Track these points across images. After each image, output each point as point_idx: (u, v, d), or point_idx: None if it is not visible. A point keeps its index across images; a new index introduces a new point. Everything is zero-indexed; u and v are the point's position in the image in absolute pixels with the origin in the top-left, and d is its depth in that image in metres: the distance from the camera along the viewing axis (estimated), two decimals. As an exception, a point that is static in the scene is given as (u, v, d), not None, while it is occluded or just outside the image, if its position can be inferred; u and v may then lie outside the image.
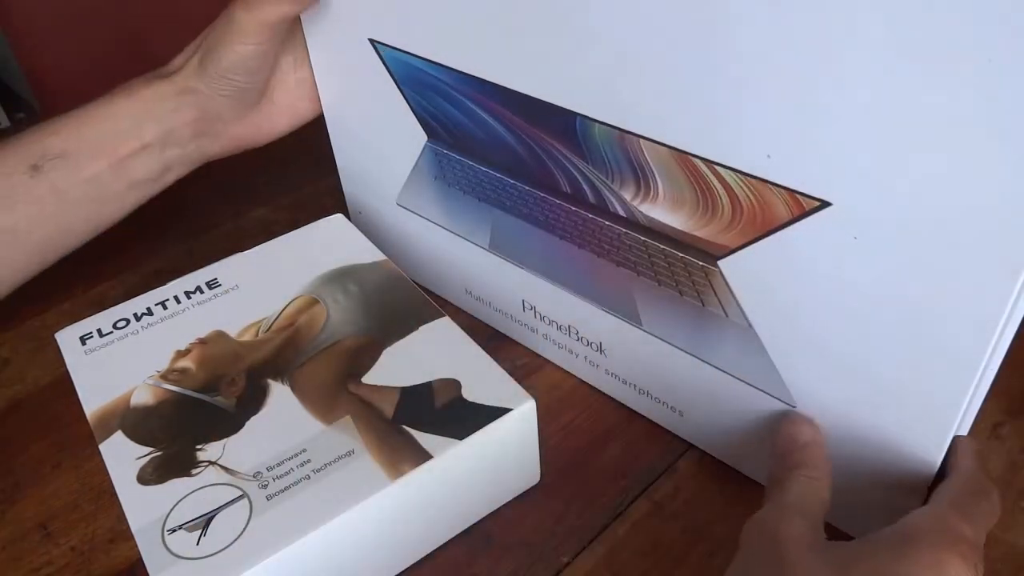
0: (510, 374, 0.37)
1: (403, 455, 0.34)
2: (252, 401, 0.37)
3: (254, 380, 0.38)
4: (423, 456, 0.34)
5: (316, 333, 0.40)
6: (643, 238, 0.36)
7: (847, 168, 0.27)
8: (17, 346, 0.50)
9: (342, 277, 0.43)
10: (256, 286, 0.43)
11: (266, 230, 0.57)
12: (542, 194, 0.39)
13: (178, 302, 0.42)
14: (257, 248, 0.46)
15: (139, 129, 0.45)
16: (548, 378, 0.45)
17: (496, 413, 0.35)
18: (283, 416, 0.36)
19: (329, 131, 0.51)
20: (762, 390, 0.36)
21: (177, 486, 0.34)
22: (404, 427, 0.35)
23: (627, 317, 0.39)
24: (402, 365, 0.38)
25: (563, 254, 0.40)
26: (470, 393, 0.36)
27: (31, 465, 0.43)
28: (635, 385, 0.42)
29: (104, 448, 0.35)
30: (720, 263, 0.34)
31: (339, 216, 0.48)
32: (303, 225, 0.47)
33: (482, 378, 0.37)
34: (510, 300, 0.46)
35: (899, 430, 0.32)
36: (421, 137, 0.44)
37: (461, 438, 0.34)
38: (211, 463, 0.34)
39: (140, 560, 0.31)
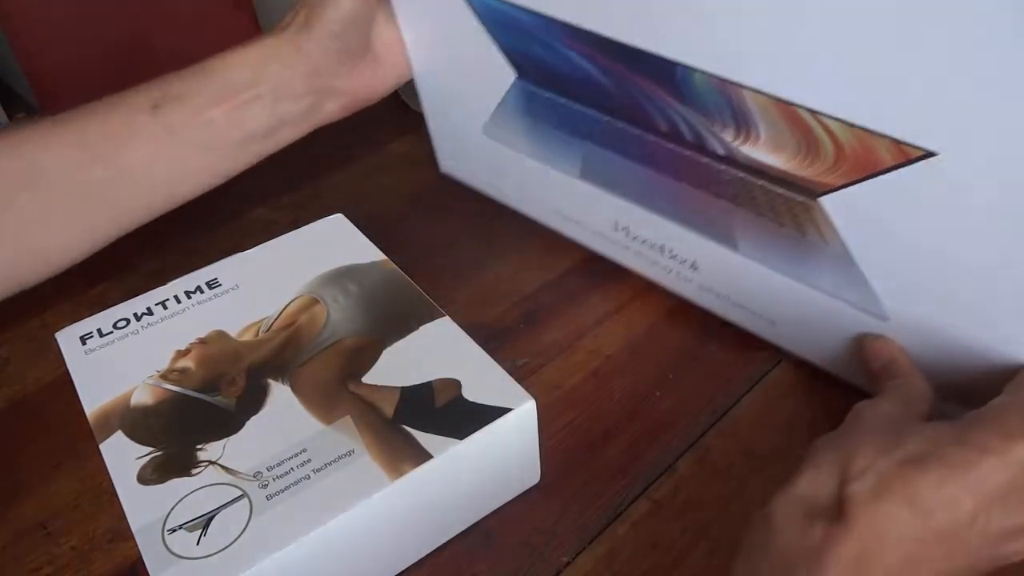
0: (510, 374, 0.37)
1: (403, 455, 0.34)
2: (252, 401, 0.37)
3: (254, 380, 0.38)
4: (423, 456, 0.34)
5: (316, 333, 0.40)
6: (742, 174, 0.38)
7: (953, 119, 0.29)
8: (17, 346, 0.50)
9: (342, 277, 0.43)
10: (256, 286, 0.43)
11: (266, 230, 0.57)
12: (637, 131, 0.41)
13: (178, 302, 0.42)
14: (257, 248, 0.46)
15: (253, 80, 0.45)
16: (548, 378, 0.45)
17: (496, 413, 0.35)
18: (283, 416, 0.36)
19: (414, 67, 0.52)
20: (857, 307, 0.38)
21: (177, 486, 0.34)
22: (404, 427, 0.35)
23: (723, 242, 0.42)
24: (402, 365, 0.38)
25: (658, 184, 0.43)
26: (470, 393, 0.36)
27: (31, 465, 0.43)
28: (729, 298, 0.45)
29: (104, 448, 0.35)
30: (821, 199, 0.36)
31: (339, 216, 0.48)
32: (303, 225, 0.47)
33: (482, 378, 0.37)
34: (601, 221, 0.48)
35: (985, 345, 0.34)
36: (509, 74, 0.45)
37: (461, 438, 0.34)
38: (211, 463, 0.34)
39: (140, 560, 0.31)
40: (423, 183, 0.60)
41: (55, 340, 0.41)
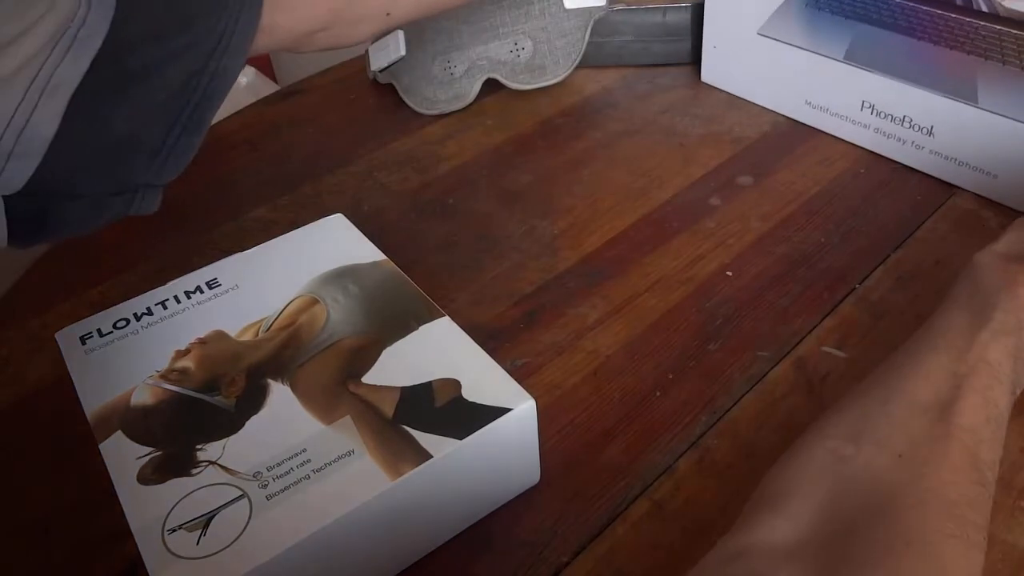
0: (510, 374, 0.37)
1: (403, 455, 0.34)
2: (252, 401, 0.37)
3: (254, 379, 0.38)
4: (423, 456, 0.34)
5: (316, 333, 0.40)
6: (998, 27, 0.50)
7: None
8: (17, 346, 0.50)
9: (342, 277, 0.43)
10: (256, 286, 0.43)
11: (266, 230, 0.57)
12: (912, 3, 0.53)
13: (178, 302, 0.42)
14: (257, 248, 0.46)
15: None
16: (548, 378, 0.45)
17: (496, 413, 0.35)
18: (283, 416, 0.36)
19: None
20: None
21: (177, 486, 0.34)
22: (404, 427, 0.35)
23: (964, 98, 0.53)
24: (402, 365, 0.38)
25: (915, 53, 0.54)
26: (470, 393, 0.36)
27: (31, 465, 0.43)
28: (956, 159, 0.55)
29: (104, 448, 0.35)
30: None
31: (339, 216, 0.48)
32: (303, 225, 0.47)
33: (482, 378, 0.37)
34: (850, 103, 0.59)
35: None
36: None
37: (461, 438, 0.34)
38: (211, 463, 0.34)
39: (140, 560, 0.31)
40: (423, 183, 0.61)
41: (55, 340, 0.41)
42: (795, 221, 0.55)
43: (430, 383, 0.37)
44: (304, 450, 0.34)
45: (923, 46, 0.53)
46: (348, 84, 0.73)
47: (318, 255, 0.45)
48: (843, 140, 0.61)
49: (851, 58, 0.58)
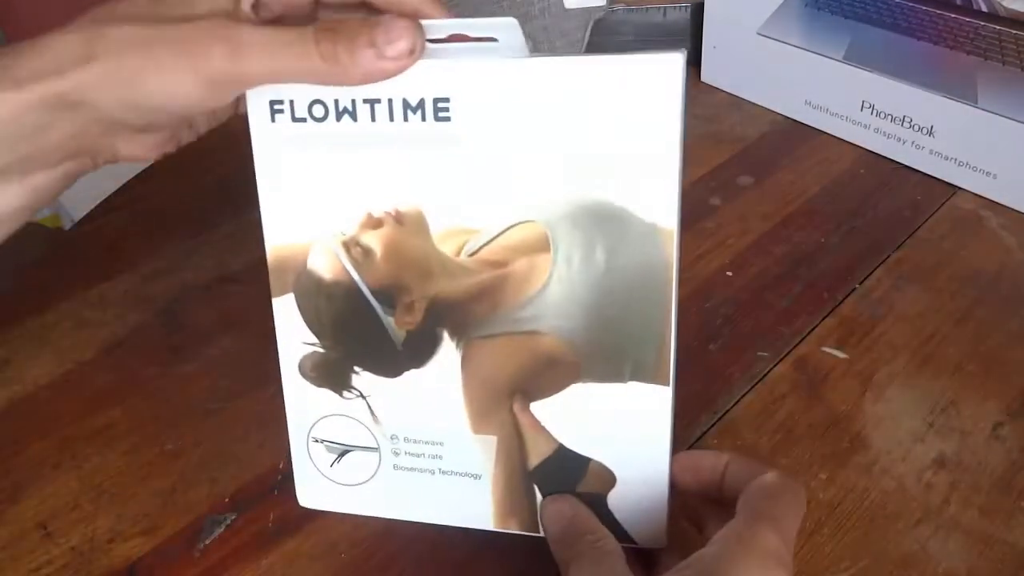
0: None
1: (517, 512, 0.32)
2: (419, 348, 0.31)
3: (432, 320, 0.31)
4: (532, 526, 0.33)
5: (524, 300, 0.30)
6: (998, 27, 0.50)
7: None
8: (17, 346, 0.50)
9: (601, 225, 0.29)
10: (491, 157, 0.29)
11: (266, 230, 0.57)
12: (911, 3, 0.53)
13: (391, 118, 0.29)
14: (512, 73, 0.28)
15: None
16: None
17: (620, 538, 0.31)
18: (441, 391, 0.32)
19: None
20: None
21: (327, 399, 0.33)
22: (535, 486, 0.32)
23: (964, 98, 0.53)
24: (578, 414, 0.31)
25: (915, 53, 0.54)
26: (617, 500, 0.31)
27: (31, 465, 0.43)
28: (956, 159, 0.55)
29: (276, 305, 0.32)
30: None
31: (678, 58, 0.27)
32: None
33: (638, 490, 0.31)
34: (849, 103, 0.59)
35: None
36: None
37: None
38: (361, 396, 0.32)
39: (139, 560, 0.31)
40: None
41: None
42: (795, 221, 0.55)
43: (588, 461, 0.31)
44: (441, 444, 0.32)
45: (923, 46, 0.54)
46: (348, 84, 0.73)
47: (598, 148, 0.28)
48: (843, 140, 0.61)
49: (851, 58, 0.58)
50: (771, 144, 0.62)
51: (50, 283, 0.49)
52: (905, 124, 0.57)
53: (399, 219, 0.30)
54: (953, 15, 0.52)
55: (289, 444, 0.34)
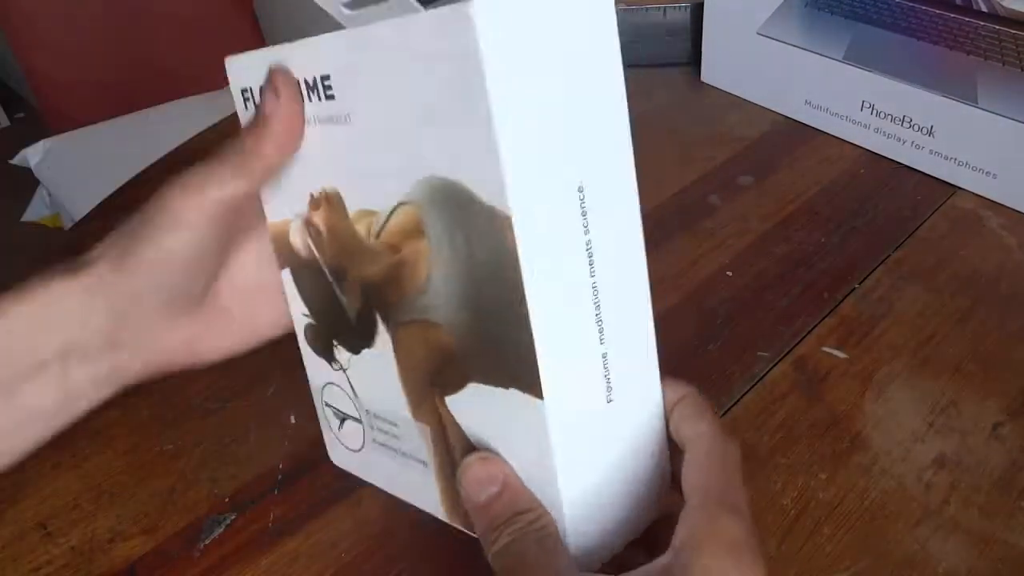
0: None
1: (460, 510, 0.30)
2: (365, 328, 0.31)
3: (367, 302, 0.31)
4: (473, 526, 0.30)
5: (416, 288, 0.28)
6: (998, 27, 0.50)
7: None
8: (17, 346, 0.50)
9: (455, 209, 0.25)
10: (370, 133, 0.28)
11: (266, 230, 0.57)
12: (911, 3, 0.53)
13: (308, 97, 0.29)
14: (374, 44, 0.26)
15: (32, 340, 0.33)
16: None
17: None
18: (386, 372, 0.31)
19: None
20: None
21: (326, 369, 0.34)
22: None
23: (964, 98, 0.53)
24: (477, 416, 0.28)
25: (915, 53, 0.54)
26: None
27: (31, 465, 0.42)
28: (956, 159, 0.55)
29: (284, 277, 0.34)
30: None
31: (468, 8, 0.22)
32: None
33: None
34: (849, 103, 0.59)
35: None
36: None
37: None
38: (343, 370, 0.33)
39: (139, 560, 0.31)
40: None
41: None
42: (795, 221, 0.55)
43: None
44: (396, 425, 0.32)
45: (923, 46, 0.54)
46: (348, 84, 0.73)
47: (434, 119, 0.25)
48: (843, 140, 0.61)
49: (851, 58, 0.58)
50: (771, 144, 0.62)
51: (50, 283, 0.49)
52: (905, 124, 0.57)
53: (328, 200, 0.31)
54: (953, 15, 0.51)
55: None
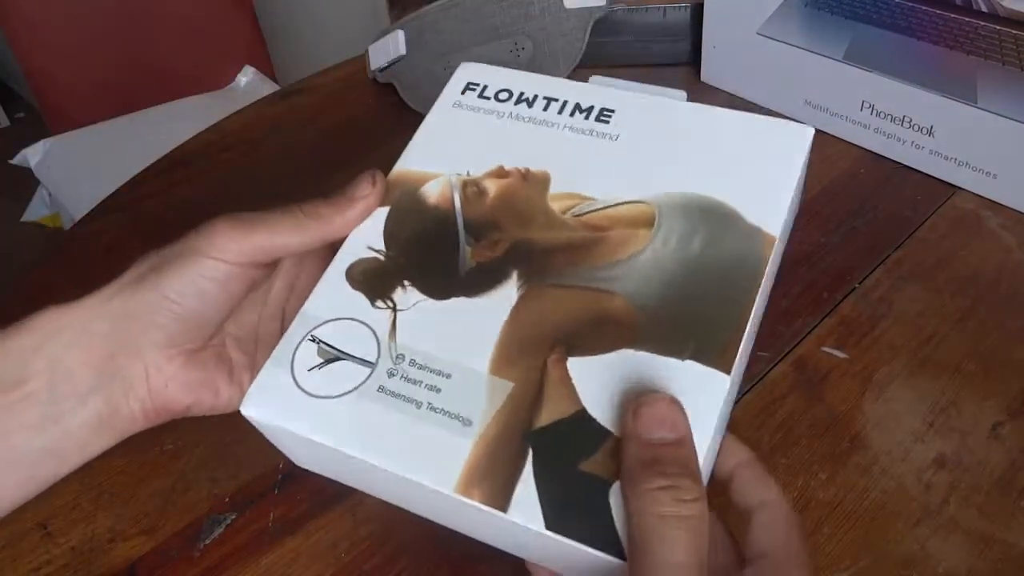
0: None
1: (490, 479, 0.27)
2: (481, 280, 0.32)
3: (508, 258, 0.32)
4: (499, 501, 0.27)
5: (609, 262, 0.32)
6: (998, 27, 0.49)
7: None
8: (17, 346, 0.50)
9: (708, 219, 0.32)
10: (634, 152, 0.35)
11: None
12: (911, 3, 0.53)
13: (560, 111, 0.37)
14: (668, 107, 0.37)
15: (21, 370, 0.31)
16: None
17: (592, 541, 0.27)
18: (479, 324, 0.31)
19: None
20: None
21: (352, 303, 0.32)
22: (529, 449, 0.28)
23: (964, 98, 0.53)
24: (617, 381, 0.29)
25: (915, 53, 0.54)
26: (617, 494, 0.27)
27: (31, 465, 0.43)
28: (955, 159, 0.55)
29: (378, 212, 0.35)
30: None
31: (808, 132, 0.38)
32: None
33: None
34: (849, 103, 0.59)
35: None
36: None
37: (547, 528, 0.27)
38: (392, 308, 0.32)
39: (139, 560, 0.31)
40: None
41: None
42: (795, 221, 0.55)
43: (606, 436, 0.28)
44: (449, 377, 0.30)
45: (923, 46, 0.54)
46: (348, 84, 0.73)
47: (728, 165, 0.34)
48: (843, 140, 0.61)
49: (851, 58, 0.58)
50: (771, 144, 0.62)
51: (50, 283, 0.49)
52: (905, 124, 0.57)
53: (526, 176, 0.35)
54: (953, 15, 0.51)
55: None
